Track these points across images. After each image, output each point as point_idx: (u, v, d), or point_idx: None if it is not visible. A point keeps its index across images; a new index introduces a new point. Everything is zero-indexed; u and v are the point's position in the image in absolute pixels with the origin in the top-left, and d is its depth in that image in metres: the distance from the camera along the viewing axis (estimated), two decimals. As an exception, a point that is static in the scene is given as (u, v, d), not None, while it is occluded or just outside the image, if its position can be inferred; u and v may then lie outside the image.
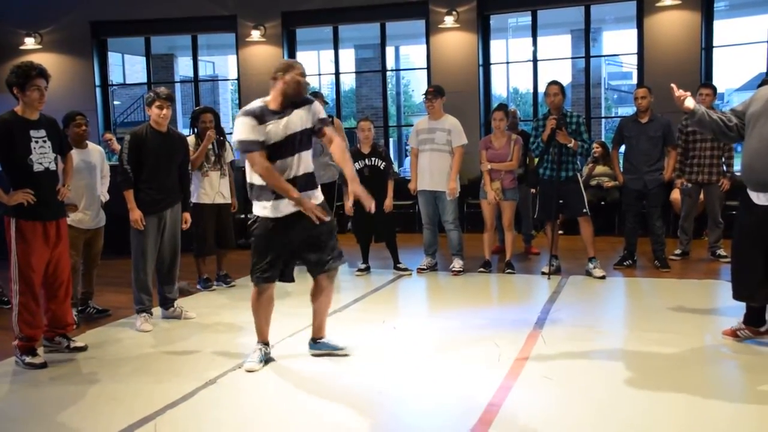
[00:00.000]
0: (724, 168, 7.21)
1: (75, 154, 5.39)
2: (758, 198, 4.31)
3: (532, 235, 8.34)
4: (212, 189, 6.44)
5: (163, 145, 5.32)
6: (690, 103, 4.43)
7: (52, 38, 11.85)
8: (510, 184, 6.93)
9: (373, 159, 6.88)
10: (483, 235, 7.14)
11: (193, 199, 6.42)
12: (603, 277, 6.57)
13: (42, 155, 4.43)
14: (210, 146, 6.41)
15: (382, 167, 6.90)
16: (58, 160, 4.65)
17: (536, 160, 8.04)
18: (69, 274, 4.75)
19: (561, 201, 6.75)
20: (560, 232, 8.90)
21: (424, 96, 7.07)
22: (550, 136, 6.49)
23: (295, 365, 4.35)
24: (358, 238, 7.19)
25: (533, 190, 8.25)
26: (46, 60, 11.82)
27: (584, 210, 6.68)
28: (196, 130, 6.49)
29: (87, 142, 5.61)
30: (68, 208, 5.42)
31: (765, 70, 9.19)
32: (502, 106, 7.16)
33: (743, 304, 4.50)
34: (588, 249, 6.74)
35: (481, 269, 6.97)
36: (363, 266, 7.12)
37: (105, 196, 5.76)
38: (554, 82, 6.68)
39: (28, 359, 4.42)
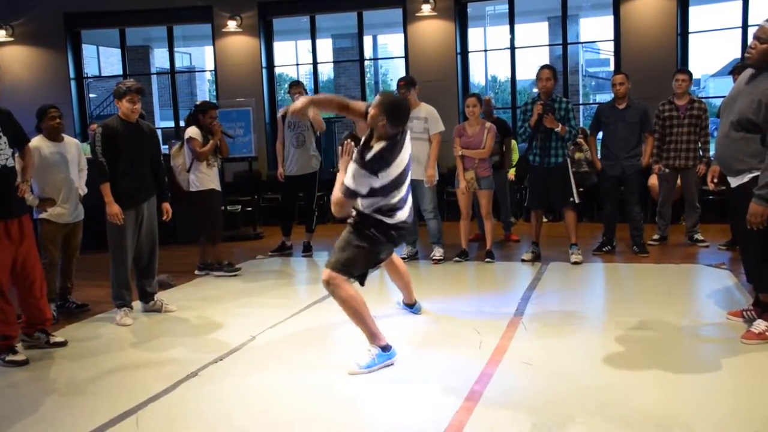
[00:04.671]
0: (701, 153, 7.28)
1: (51, 147, 5.34)
2: (731, 181, 4.37)
3: (512, 222, 8.38)
4: (216, 178, 6.75)
5: (135, 136, 5.26)
6: None
7: (25, 30, 11.69)
8: (484, 172, 6.92)
9: None
10: (459, 224, 7.16)
11: (201, 187, 6.61)
12: (577, 263, 6.63)
13: None
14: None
15: None
16: (16, 155, 4.50)
17: (515, 150, 8.10)
18: (41, 270, 4.64)
19: (549, 188, 6.76)
20: (545, 220, 8.97)
21: (396, 90, 7.06)
22: (538, 121, 6.50)
23: (278, 356, 4.35)
24: None
25: (511, 177, 8.30)
26: (19, 53, 11.78)
27: (571, 199, 6.72)
28: (195, 121, 6.64)
29: (63, 135, 5.53)
30: (46, 202, 5.37)
31: (739, 56, 9.28)
32: (475, 94, 7.18)
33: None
34: (570, 236, 6.79)
35: (457, 258, 6.99)
36: None
37: (83, 190, 5.69)
38: (547, 66, 6.64)
39: (8, 357, 4.36)
